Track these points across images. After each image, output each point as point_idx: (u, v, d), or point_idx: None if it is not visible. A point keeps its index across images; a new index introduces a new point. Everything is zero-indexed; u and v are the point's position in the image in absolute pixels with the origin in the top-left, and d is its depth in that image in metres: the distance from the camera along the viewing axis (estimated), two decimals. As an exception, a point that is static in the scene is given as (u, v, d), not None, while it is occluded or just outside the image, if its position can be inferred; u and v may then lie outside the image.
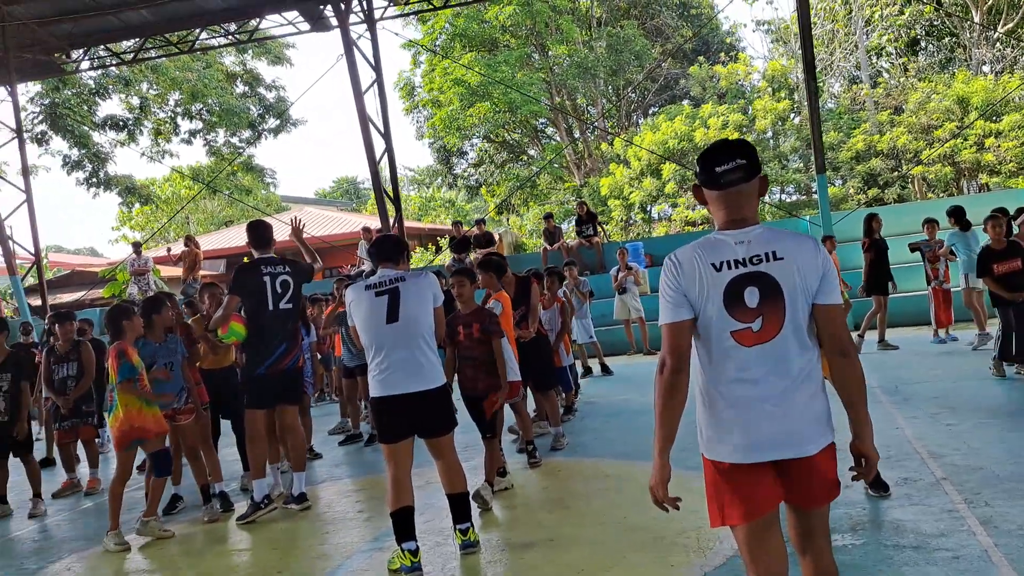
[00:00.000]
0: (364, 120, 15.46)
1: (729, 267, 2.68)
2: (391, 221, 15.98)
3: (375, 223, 21.86)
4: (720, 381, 2.71)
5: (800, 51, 13.46)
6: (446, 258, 19.04)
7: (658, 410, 2.76)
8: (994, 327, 11.08)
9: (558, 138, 34.81)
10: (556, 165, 31.92)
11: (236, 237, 27.37)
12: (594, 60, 29.93)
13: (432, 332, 5.01)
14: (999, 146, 20.85)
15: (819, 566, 2.80)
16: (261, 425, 6.58)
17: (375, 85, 16.21)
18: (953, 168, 21.69)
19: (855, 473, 2.79)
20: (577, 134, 33.67)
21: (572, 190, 31.42)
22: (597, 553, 4.86)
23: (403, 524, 4.80)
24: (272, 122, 32.64)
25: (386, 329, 4.87)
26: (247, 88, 32.64)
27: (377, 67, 16.39)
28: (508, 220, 34.39)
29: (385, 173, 16.27)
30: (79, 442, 8.55)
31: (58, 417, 8.27)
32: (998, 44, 27.70)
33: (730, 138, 2.97)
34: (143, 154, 31.84)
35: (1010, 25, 27.43)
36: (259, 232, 6.66)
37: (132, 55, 19.55)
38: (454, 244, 17.05)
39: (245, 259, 7.06)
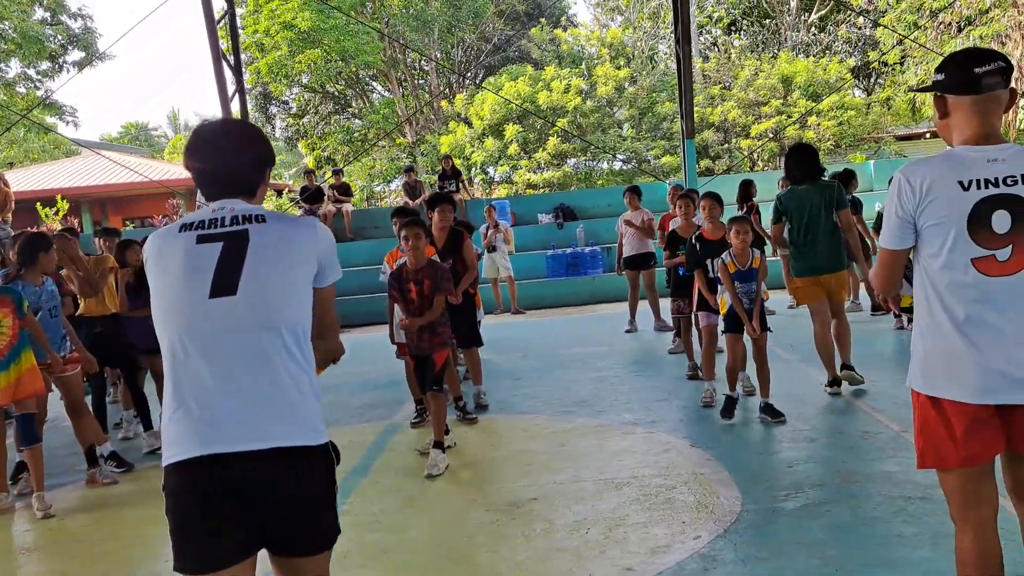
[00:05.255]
0: (217, 54, 14.31)
1: (978, 186, 2.44)
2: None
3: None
4: (952, 313, 2.51)
5: (674, 17, 13.66)
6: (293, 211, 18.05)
7: None
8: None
9: (387, 92, 33.90)
10: (386, 120, 31.09)
11: (20, 181, 24.71)
12: (431, 14, 29.29)
13: (307, 328, 2.35)
14: (819, 124, 22.34)
15: None
16: None
17: (226, 17, 15.03)
18: (777, 143, 23.02)
19: None
20: (409, 90, 32.92)
21: (404, 147, 30.78)
22: (597, 510, 4.68)
23: None
24: (76, 54, 29.53)
25: (208, 308, 2.21)
26: (48, 15, 29.26)
27: (229, -3, 15.23)
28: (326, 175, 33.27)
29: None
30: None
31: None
32: (812, 29, 29.70)
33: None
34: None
35: (822, 12, 29.49)
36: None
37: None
38: (308, 195, 16.18)
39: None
